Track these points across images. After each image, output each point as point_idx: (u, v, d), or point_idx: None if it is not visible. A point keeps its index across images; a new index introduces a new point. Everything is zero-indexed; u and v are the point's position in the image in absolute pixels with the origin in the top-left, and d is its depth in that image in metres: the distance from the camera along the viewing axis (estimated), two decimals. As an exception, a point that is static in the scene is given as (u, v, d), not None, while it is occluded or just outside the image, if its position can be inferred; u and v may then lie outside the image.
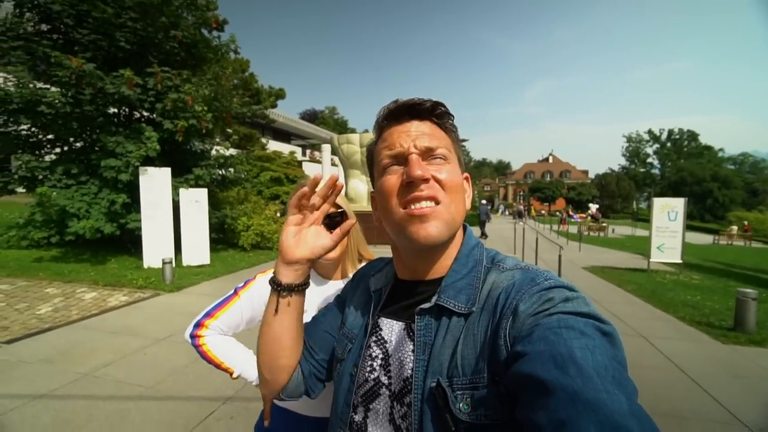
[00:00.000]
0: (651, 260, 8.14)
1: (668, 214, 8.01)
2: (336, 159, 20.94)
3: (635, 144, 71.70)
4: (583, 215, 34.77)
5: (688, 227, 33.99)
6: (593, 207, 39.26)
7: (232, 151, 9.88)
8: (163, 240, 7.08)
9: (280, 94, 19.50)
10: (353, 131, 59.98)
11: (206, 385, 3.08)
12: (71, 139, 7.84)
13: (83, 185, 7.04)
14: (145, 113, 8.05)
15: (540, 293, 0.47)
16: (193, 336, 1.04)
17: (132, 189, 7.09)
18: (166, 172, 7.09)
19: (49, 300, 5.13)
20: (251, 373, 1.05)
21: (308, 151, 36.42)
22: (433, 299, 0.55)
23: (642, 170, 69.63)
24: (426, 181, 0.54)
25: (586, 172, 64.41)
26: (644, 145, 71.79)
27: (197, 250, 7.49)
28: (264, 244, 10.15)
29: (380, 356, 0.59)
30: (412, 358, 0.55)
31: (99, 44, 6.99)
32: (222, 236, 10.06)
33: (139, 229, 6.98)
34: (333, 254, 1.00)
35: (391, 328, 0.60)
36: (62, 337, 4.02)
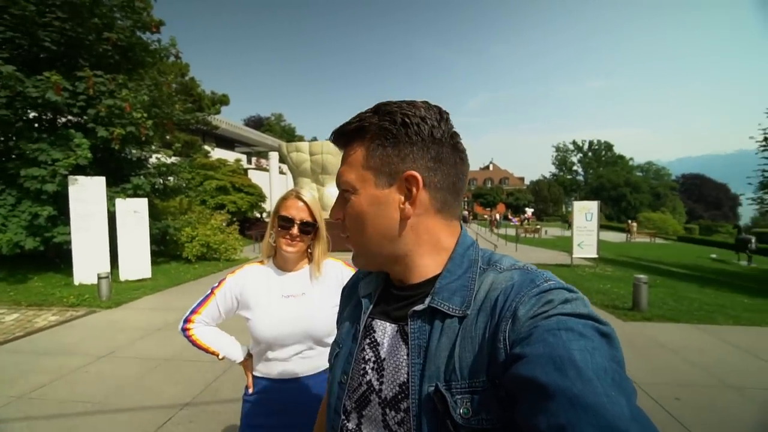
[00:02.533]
0: (573, 256, 9.26)
1: (585, 215, 9.20)
2: (284, 167, 20.68)
3: (563, 153, 79.07)
4: (519, 219, 37.66)
5: (607, 227, 37.98)
6: (529, 211, 42.77)
7: (174, 159, 9.43)
8: (97, 254, 6.60)
9: (223, 100, 18.82)
10: (301, 138, 59.02)
11: (160, 395, 3.06)
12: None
13: (-2, 196, 6.35)
14: (73, 118, 7.46)
15: (539, 295, 0.47)
16: (183, 329, 1.27)
17: (58, 200, 6.54)
18: (101, 181, 6.64)
19: (-39, 324, 4.59)
20: (233, 353, 1.30)
21: (254, 159, 35.20)
22: (427, 301, 0.54)
23: (569, 177, 76.81)
24: (339, 221, 0.59)
25: (522, 179, 69.76)
26: (570, 154, 79.38)
27: (137, 263, 7.07)
28: (210, 255, 9.80)
29: (372, 359, 0.58)
30: (407, 362, 0.53)
31: (18, 43, 6.41)
32: (164, 248, 9.54)
33: (68, 243, 6.45)
34: (293, 249, 1.23)
35: (384, 330, 0.59)
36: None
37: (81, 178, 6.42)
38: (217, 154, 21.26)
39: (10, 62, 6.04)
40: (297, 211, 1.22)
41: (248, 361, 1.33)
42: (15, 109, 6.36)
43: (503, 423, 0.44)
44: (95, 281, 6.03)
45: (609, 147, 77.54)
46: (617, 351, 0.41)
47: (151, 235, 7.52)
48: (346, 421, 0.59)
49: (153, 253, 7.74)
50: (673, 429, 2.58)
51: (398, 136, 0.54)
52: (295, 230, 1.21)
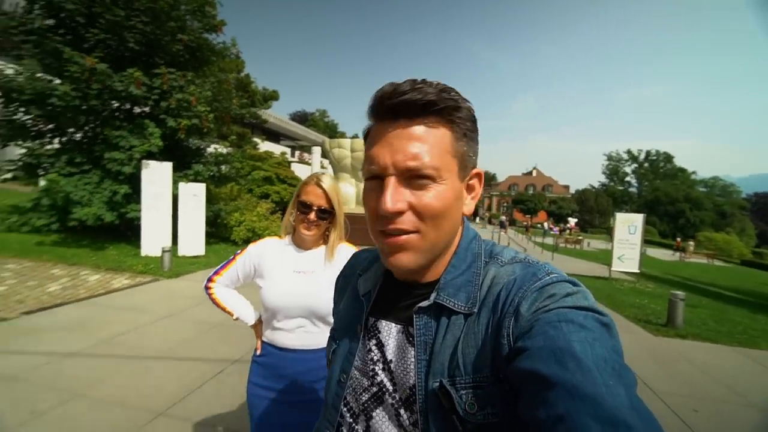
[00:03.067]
0: (612, 269, 8.97)
1: (629, 227, 8.87)
2: (325, 162, 21.51)
3: (615, 162, 74.52)
4: (560, 228, 36.16)
5: (660, 245, 35.51)
6: (572, 221, 40.84)
7: (228, 149, 10.29)
8: (162, 230, 7.46)
9: (273, 96, 19.96)
10: (343, 135, 60.45)
11: (215, 351, 3.57)
12: (71, 130, 8.15)
13: (86, 174, 7.36)
14: (147, 109, 8.44)
15: (542, 289, 0.47)
16: (206, 287, 1.43)
17: (132, 181, 7.47)
18: (168, 166, 7.50)
19: (57, 280, 5.49)
20: (246, 316, 1.44)
21: (297, 152, 36.61)
22: (432, 297, 0.53)
23: (620, 188, 72.26)
24: (400, 213, 0.49)
25: (567, 187, 66.65)
26: (623, 164, 74.62)
27: (193, 241, 7.89)
28: (255, 239, 10.49)
29: (381, 360, 0.57)
30: (414, 362, 0.53)
31: (108, 43, 7.38)
32: (214, 230, 10.43)
33: (139, 219, 7.35)
34: (310, 233, 1.31)
35: (389, 331, 0.58)
36: (75, 311, 4.42)
37: (152, 163, 7.29)
38: (264, 146, 22.55)
39: (102, 60, 7.01)
40: (315, 198, 1.27)
41: (258, 325, 1.43)
42: (103, 100, 7.34)
43: (508, 417, 0.44)
44: (159, 254, 6.86)
45: (668, 158, 71.97)
46: (617, 341, 0.41)
47: (206, 218, 8.33)
48: (354, 423, 0.58)
49: (206, 234, 8.56)
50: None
51: (476, 129, 0.53)
52: (312, 216, 1.27)
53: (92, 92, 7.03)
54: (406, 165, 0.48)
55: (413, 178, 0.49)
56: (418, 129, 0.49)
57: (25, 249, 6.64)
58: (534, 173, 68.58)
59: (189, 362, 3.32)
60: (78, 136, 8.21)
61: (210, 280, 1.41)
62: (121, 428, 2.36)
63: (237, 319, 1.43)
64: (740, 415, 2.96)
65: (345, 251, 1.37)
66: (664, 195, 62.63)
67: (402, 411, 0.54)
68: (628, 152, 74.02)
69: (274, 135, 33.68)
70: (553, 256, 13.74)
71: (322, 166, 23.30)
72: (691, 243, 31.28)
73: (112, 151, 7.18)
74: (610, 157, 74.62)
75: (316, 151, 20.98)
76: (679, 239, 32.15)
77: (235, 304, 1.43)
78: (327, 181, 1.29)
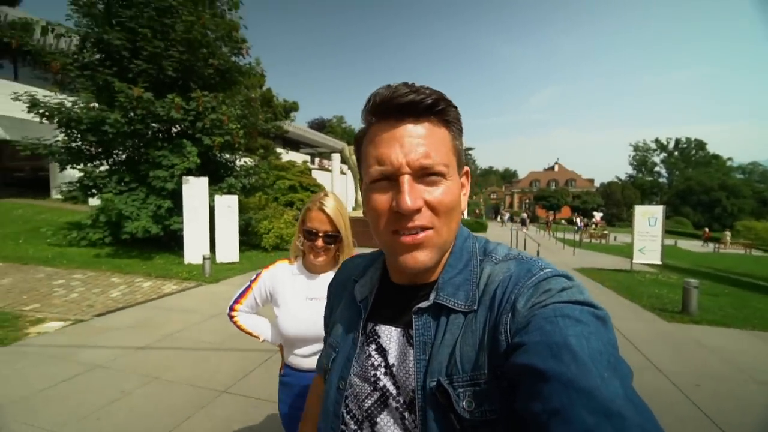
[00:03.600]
0: (633, 261, 9.01)
1: (648, 220, 8.89)
2: (344, 167, 22.14)
3: (642, 153, 71.84)
4: (585, 223, 35.40)
5: (693, 236, 34.06)
6: (597, 215, 39.83)
7: (256, 161, 11.01)
8: (201, 240, 8.18)
9: (294, 107, 20.82)
10: (361, 140, 61.05)
11: (260, 344, 4.07)
12: (117, 152, 9.04)
13: (133, 192, 8.19)
14: (184, 129, 9.24)
15: (537, 284, 0.47)
16: (230, 316, 1.49)
17: (174, 196, 8.23)
18: (204, 181, 8.22)
19: (116, 287, 6.22)
20: (271, 337, 1.49)
21: (317, 160, 37.53)
22: (432, 297, 0.54)
23: (649, 179, 69.56)
24: (418, 210, 0.49)
25: (591, 181, 64.82)
26: (651, 153, 71.83)
27: (229, 249, 8.58)
28: (283, 246, 11.20)
29: (383, 365, 0.57)
30: (414, 363, 0.53)
31: (149, 72, 8.19)
32: (245, 238, 11.16)
33: (181, 230, 8.10)
34: (321, 260, 1.33)
35: (389, 336, 0.58)
36: (137, 313, 5.08)
37: (191, 179, 8.02)
38: (286, 156, 23.49)
39: (143, 87, 7.82)
40: (320, 224, 1.28)
41: (282, 345, 1.47)
42: (146, 123, 8.15)
43: (506, 414, 0.45)
44: (200, 261, 7.54)
45: (701, 145, 68.67)
46: (612, 334, 0.41)
47: (238, 227, 9.01)
48: (358, 430, 0.58)
49: (239, 242, 9.24)
50: (688, 411, 2.89)
51: (462, 130, 0.55)
52: (320, 242, 1.28)
53: (137, 118, 7.85)
54: (420, 163, 0.49)
55: (426, 175, 0.50)
56: (425, 128, 0.51)
57: (86, 261, 7.47)
58: (556, 168, 67.11)
59: (239, 352, 3.84)
60: (123, 157, 9.11)
61: (232, 309, 1.47)
62: (195, 403, 2.88)
63: (264, 341, 1.48)
64: (741, 390, 3.18)
65: None
66: (697, 184, 59.78)
67: (406, 414, 0.54)
68: (656, 141, 71.22)
69: (294, 143, 34.77)
70: (574, 251, 13.72)
71: (342, 172, 23.96)
72: (728, 233, 29.92)
73: (156, 169, 7.96)
74: (636, 147, 72.04)
75: (336, 157, 21.62)
76: (707, 229, 30.80)
77: (259, 327, 1.48)
78: (330, 205, 1.29)
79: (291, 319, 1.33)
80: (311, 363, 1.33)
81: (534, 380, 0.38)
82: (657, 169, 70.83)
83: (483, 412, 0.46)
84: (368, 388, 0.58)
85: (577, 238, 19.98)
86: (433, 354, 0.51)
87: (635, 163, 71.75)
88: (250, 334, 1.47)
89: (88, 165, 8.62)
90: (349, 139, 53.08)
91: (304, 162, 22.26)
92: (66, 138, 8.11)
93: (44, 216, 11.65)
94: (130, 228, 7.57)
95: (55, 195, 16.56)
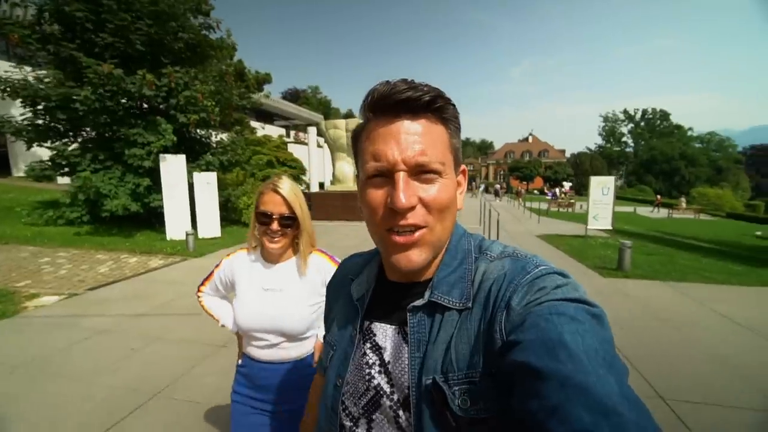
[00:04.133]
0: (588, 227, 9.95)
1: (602, 189, 9.75)
2: (321, 140, 22.05)
3: (611, 123, 74.09)
4: (567, 191, 37.14)
5: (652, 203, 36.24)
6: (567, 185, 41.67)
7: (232, 137, 11.03)
8: (182, 216, 8.38)
9: (267, 79, 20.17)
10: (337, 111, 59.91)
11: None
12: (87, 130, 8.88)
13: (109, 170, 8.20)
14: (155, 105, 9.14)
15: (531, 282, 0.48)
16: (197, 295, 1.48)
17: (151, 173, 8.30)
18: (182, 158, 8.31)
19: (103, 263, 6.46)
20: (229, 324, 1.42)
21: (292, 133, 36.73)
22: (426, 295, 0.54)
23: (617, 149, 72.31)
24: (412, 208, 0.50)
25: (563, 152, 66.92)
26: (619, 124, 74.18)
27: (210, 224, 8.83)
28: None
29: (377, 363, 0.58)
30: (408, 361, 0.53)
31: (116, 46, 7.99)
32: (225, 214, 11.37)
33: (161, 207, 8.26)
34: (276, 246, 1.24)
35: (384, 333, 0.59)
36: (128, 286, 5.41)
37: (169, 156, 8.10)
38: (262, 130, 23.06)
39: (110, 62, 7.66)
40: (275, 205, 1.21)
41: (241, 334, 1.42)
42: (116, 100, 8.05)
43: (501, 412, 0.45)
44: (183, 237, 7.81)
45: (665, 116, 71.45)
46: (607, 331, 0.42)
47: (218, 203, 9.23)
48: (354, 427, 0.59)
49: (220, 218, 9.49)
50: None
51: (460, 127, 0.55)
52: (275, 225, 1.21)
53: (106, 94, 7.73)
54: (416, 160, 0.49)
55: (421, 173, 0.50)
56: (422, 126, 0.50)
57: (67, 239, 7.58)
58: (530, 139, 68.60)
59: (232, 314, 4.32)
60: (93, 134, 8.96)
61: (198, 289, 1.47)
62: (199, 355, 3.37)
63: (223, 326, 1.43)
64: (646, 326, 3.98)
65: (317, 262, 1.31)
66: (659, 154, 62.93)
67: (401, 412, 0.54)
68: (624, 112, 73.44)
69: (268, 116, 33.65)
70: (539, 219, 14.72)
71: (319, 145, 23.82)
72: (683, 199, 32.21)
73: (132, 147, 7.97)
74: (606, 118, 74.09)
75: (312, 131, 21.45)
76: (659, 196, 33.13)
77: (219, 310, 1.45)
78: (285, 186, 1.22)
79: (245, 310, 1.28)
80: (266, 355, 1.30)
81: (530, 378, 0.38)
82: (624, 139, 73.48)
83: (478, 410, 0.46)
84: (362, 387, 0.58)
85: (545, 207, 21.20)
86: (428, 352, 0.52)
87: (604, 133, 74.06)
88: (211, 316, 1.45)
89: (57, 143, 8.48)
90: (325, 110, 52.06)
91: (280, 136, 22.02)
92: (32, 115, 7.92)
93: (12, 195, 11.34)
94: (110, 206, 7.68)
95: (17, 173, 15.91)
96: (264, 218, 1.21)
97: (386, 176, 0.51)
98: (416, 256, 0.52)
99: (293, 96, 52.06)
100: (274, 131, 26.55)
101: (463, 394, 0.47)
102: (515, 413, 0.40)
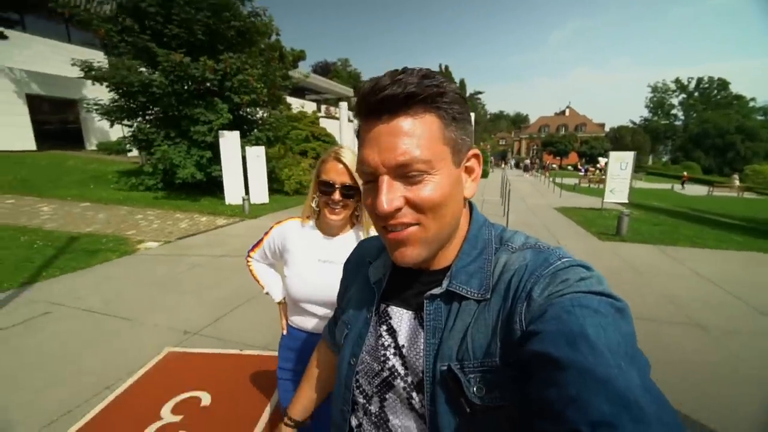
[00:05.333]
0: (605, 201, 10.48)
1: (620, 164, 10.17)
2: (351, 114, 22.83)
3: (660, 94, 68.87)
4: (592, 168, 36.19)
5: (698, 180, 34.70)
6: (602, 161, 40.30)
7: (276, 115, 12.27)
8: (237, 185, 9.84)
9: (301, 56, 21.16)
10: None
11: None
12: (156, 109, 10.37)
13: (177, 145, 9.70)
14: (211, 87, 10.46)
15: (554, 274, 0.47)
16: (246, 260, 1.53)
17: (212, 147, 9.72)
18: (236, 134, 9.65)
19: (182, 220, 8.02)
20: (275, 292, 1.45)
21: (323, 107, 37.41)
22: (444, 284, 0.54)
23: (664, 122, 67.66)
24: (398, 209, 0.50)
25: (602, 125, 63.60)
26: (670, 95, 68.90)
27: (260, 192, 10.26)
28: (302, 191, 12.88)
29: (392, 345, 0.59)
30: (424, 346, 0.54)
31: (181, 36, 9.26)
32: (270, 184, 12.84)
33: (221, 176, 9.73)
34: (338, 218, 1.20)
35: (400, 317, 0.60)
36: (206, 238, 6.88)
37: (226, 132, 9.45)
38: (297, 106, 24.25)
39: (176, 51, 8.95)
40: (337, 175, 1.16)
41: (284, 304, 1.41)
42: (182, 84, 9.40)
43: (516, 401, 0.45)
44: (239, 202, 9.27)
45: (724, 85, 65.40)
46: (630, 325, 0.42)
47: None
48: (367, 404, 0.61)
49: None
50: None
51: (465, 110, 0.52)
52: (337, 195, 1.17)
53: (175, 79, 9.09)
54: (396, 161, 0.48)
55: (406, 173, 0.49)
56: (404, 123, 0.48)
57: (149, 202, 9.25)
58: (567, 112, 65.59)
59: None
60: (161, 114, 10.45)
61: (248, 255, 1.50)
62: (271, 279, 4.68)
63: (267, 293, 1.45)
64: (624, 277, 4.85)
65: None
66: (713, 127, 58.26)
67: (414, 394, 0.55)
68: (677, 81, 67.85)
69: (299, 90, 34.47)
70: (561, 193, 15.17)
71: (350, 120, 24.74)
72: (736, 176, 30.49)
73: (195, 125, 9.38)
74: (655, 89, 68.81)
75: (343, 105, 22.27)
76: (685, 173, 31.52)
77: (266, 278, 1.47)
78: (347, 155, 1.18)
79: (300, 281, 1.27)
80: (318, 324, 1.30)
81: (549, 368, 0.38)
82: (674, 111, 68.44)
83: (493, 398, 0.47)
84: (377, 367, 0.60)
85: (576, 183, 21.23)
86: (444, 339, 0.52)
87: (652, 105, 69.20)
88: (257, 281, 1.48)
89: (134, 121, 10.06)
90: (356, 83, 52.07)
91: (314, 112, 23.09)
92: (117, 97, 9.48)
93: (94, 166, 13.35)
94: (182, 174, 9.22)
95: (90, 147, 18.18)
96: (326, 188, 1.18)
97: (374, 181, 0.51)
98: (409, 252, 0.52)
99: (324, 69, 52.32)
100: (306, 106, 27.50)
101: (479, 382, 0.48)
102: (532, 402, 0.40)
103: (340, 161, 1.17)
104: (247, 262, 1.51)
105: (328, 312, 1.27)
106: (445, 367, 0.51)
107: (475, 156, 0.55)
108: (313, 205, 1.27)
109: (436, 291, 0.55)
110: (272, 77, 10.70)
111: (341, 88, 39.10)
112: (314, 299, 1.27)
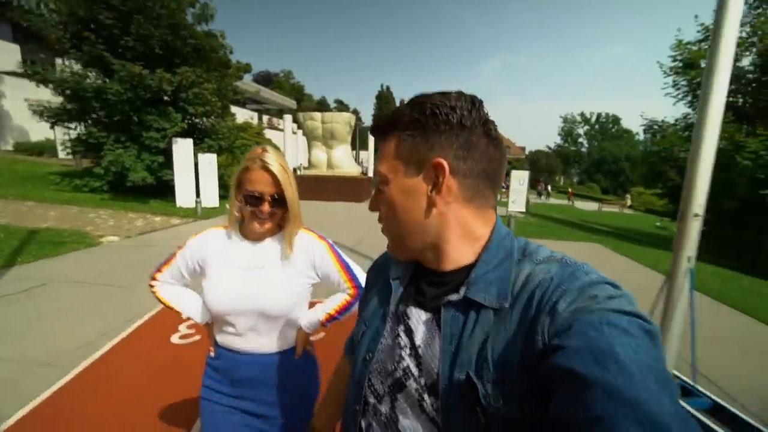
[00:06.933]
0: (508, 210, 13.01)
1: (519, 180, 12.80)
2: (294, 127, 23.80)
3: (570, 124, 79.97)
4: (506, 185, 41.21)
5: (596, 199, 41.45)
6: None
7: (226, 125, 13.07)
8: (189, 189, 10.52)
9: (247, 69, 21.74)
10: (310, 97, 60.57)
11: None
12: (109, 115, 10.67)
13: (128, 149, 10.13)
14: (166, 98, 11.07)
15: (582, 289, 0.46)
16: (150, 285, 1.27)
17: (164, 152, 10.32)
18: (190, 142, 10.39)
19: (136, 219, 8.57)
20: (195, 315, 1.25)
21: (265, 118, 37.47)
22: (462, 291, 0.54)
23: (573, 149, 78.49)
24: (378, 212, 0.62)
25: (523, 149, 71.86)
26: (577, 125, 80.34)
27: (211, 196, 11.01)
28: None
29: (408, 346, 0.59)
30: (440, 351, 0.54)
31: (137, 49, 9.88)
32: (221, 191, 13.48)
33: (172, 180, 10.34)
34: (265, 228, 1.12)
35: (418, 319, 0.60)
36: (164, 234, 7.63)
37: (180, 140, 10.15)
38: (240, 116, 24.59)
39: (130, 61, 9.55)
40: (265, 186, 1.05)
41: (210, 325, 1.25)
42: (136, 92, 9.97)
43: (532, 413, 0.45)
44: (190, 204, 10.00)
45: (616, 120, 78.10)
46: (660, 350, 0.41)
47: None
48: (378, 404, 0.62)
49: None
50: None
51: (427, 126, 0.54)
52: (266, 207, 1.07)
53: (131, 88, 9.64)
54: (374, 176, 0.66)
55: (378, 184, 0.61)
56: (381, 147, 0.60)
57: (97, 203, 9.53)
58: (495, 136, 72.58)
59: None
60: (107, 119, 10.74)
61: (152, 278, 1.25)
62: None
63: (188, 318, 1.26)
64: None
65: (304, 239, 1.17)
66: (609, 154, 69.40)
67: (426, 396, 0.55)
68: (582, 114, 79.41)
69: (239, 100, 34.26)
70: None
71: (293, 132, 25.55)
72: (628, 196, 37.15)
73: (149, 131, 9.96)
74: (565, 119, 79.78)
75: (288, 118, 23.21)
76: (570, 190, 38.51)
77: (181, 300, 1.26)
78: (274, 162, 1.05)
79: (218, 290, 1.13)
80: (242, 343, 1.16)
81: (574, 385, 0.37)
82: (581, 140, 79.72)
83: (510, 409, 0.46)
84: (390, 366, 0.60)
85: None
86: (461, 346, 0.52)
87: (563, 133, 79.87)
88: (170, 308, 1.25)
89: (73, 123, 10.28)
90: (298, 95, 52.60)
91: (260, 123, 23.68)
92: (65, 102, 9.70)
93: (22, 167, 12.77)
94: (133, 177, 9.69)
95: (5, 147, 16.85)
96: (253, 201, 1.06)
97: None
98: (390, 249, 0.64)
99: (266, 79, 51.84)
100: (246, 115, 27.56)
101: (496, 393, 0.47)
102: (552, 417, 0.39)
103: (267, 170, 1.05)
104: (151, 286, 1.26)
105: (251, 325, 1.14)
106: (463, 376, 0.50)
107: (434, 165, 0.54)
108: (235, 212, 1.16)
109: (454, 298, 0.55)
110: (224, 91, 11.61)
111: (284, 99, 39.48)
112: (236, 308, 1.12)
